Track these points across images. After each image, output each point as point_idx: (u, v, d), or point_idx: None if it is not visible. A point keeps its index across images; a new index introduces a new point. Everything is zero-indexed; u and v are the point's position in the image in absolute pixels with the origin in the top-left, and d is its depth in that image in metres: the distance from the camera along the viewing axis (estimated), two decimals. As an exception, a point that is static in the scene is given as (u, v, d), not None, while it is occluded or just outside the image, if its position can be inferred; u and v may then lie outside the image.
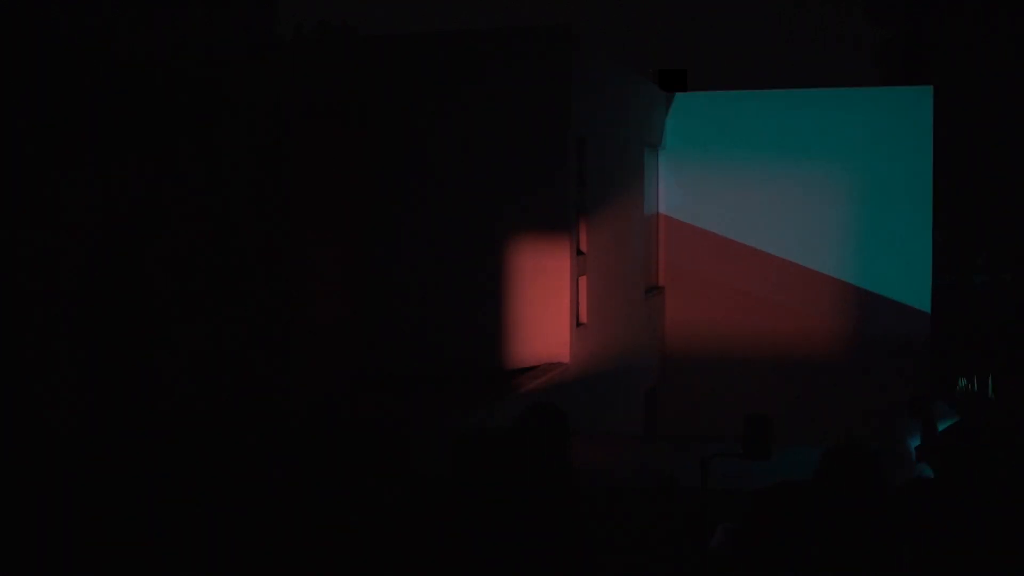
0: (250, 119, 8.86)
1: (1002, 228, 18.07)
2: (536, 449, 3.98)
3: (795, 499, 3.63)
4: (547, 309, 10.11)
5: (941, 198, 16.03)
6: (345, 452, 7.54)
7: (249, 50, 8.97)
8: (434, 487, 4.28)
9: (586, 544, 4.00)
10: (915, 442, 4.47)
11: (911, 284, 14.73)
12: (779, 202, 15.04)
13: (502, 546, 3.89)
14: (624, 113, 12.43)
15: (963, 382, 4.79)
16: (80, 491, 6.01)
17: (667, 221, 15.21)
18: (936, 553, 3.98)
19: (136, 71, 7.55)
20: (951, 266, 18.32)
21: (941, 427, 4.43)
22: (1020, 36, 18.26)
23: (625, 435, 7.93)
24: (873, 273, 14.77)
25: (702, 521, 4.91)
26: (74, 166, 7.46)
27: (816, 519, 3.47)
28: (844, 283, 14.86)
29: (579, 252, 10.52)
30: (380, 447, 7.56)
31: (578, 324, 10.47)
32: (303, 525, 5.88)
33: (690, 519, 4.95)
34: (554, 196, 10.11)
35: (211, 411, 8.13)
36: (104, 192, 7.65)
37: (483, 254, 10.24)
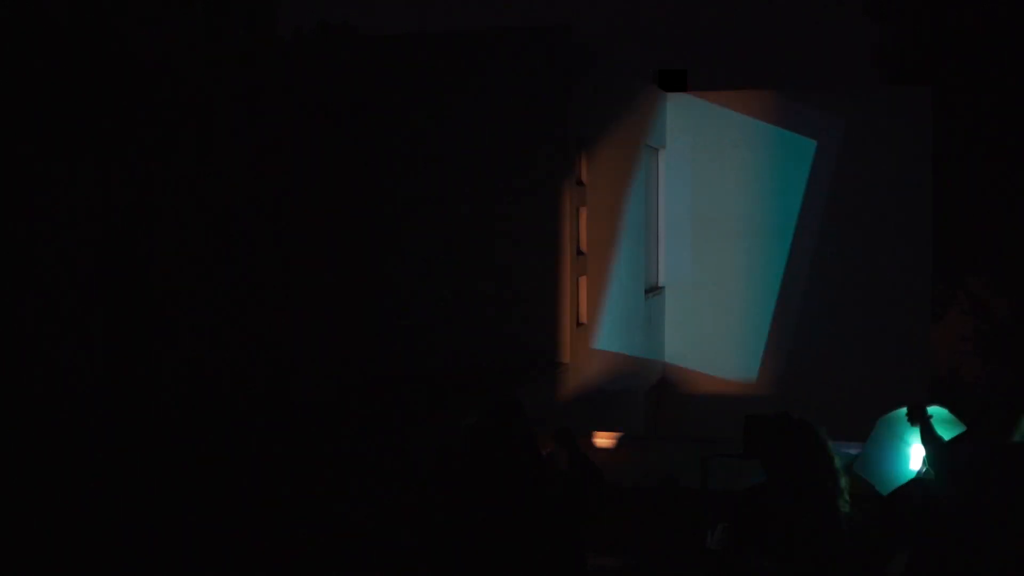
0: (250, 119, 8.87)
1: (1002, 228, 18.07)
2: (498, 445, 4.03)
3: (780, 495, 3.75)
4: (547, 309, 10.11)
5: (941, 198, 16.03)
6: (346, 452, 7.55)
7: (249, 50, 8.98)
8: (429, 487, 4.31)
9: (568, 533, 4.03)
10: (915, 447, 4.47)
11: (911, 283, 14.73)
12: (779, 202, 15.04)
13: (487, 543, 3.93)
14: (624, 113, 12.42)
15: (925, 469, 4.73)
16: (81, 489, 6.02)
17: (667, 221, 15.22)
18: (933, 553, 3.99)
19: (136, 71, 7.55)
20: (951, 266, 18.32)
21: (947, 436, 4.43)
22: (1020, 36, 18.25)
23: (625, 435, 7.94)
24: (873, 273, 14.77)
25: (702, 521, 4.92)
26: (74, 165, 7.46)
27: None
28: (844, 282, 14.86)
29: (579, 252, 10.52)
30: (381, 448, 7.58)
31: (578, 324, 10.47)
32: (304, 524, 5.88)
33: (690, 519, 4.95)
34: (554, 196, 10.11)
35: (212, 410, 8.13)
36: (104, 191, 7.65)
37: (483, 254, 10.24)
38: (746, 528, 3.80)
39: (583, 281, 10.61)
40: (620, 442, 7.66)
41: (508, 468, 3.99)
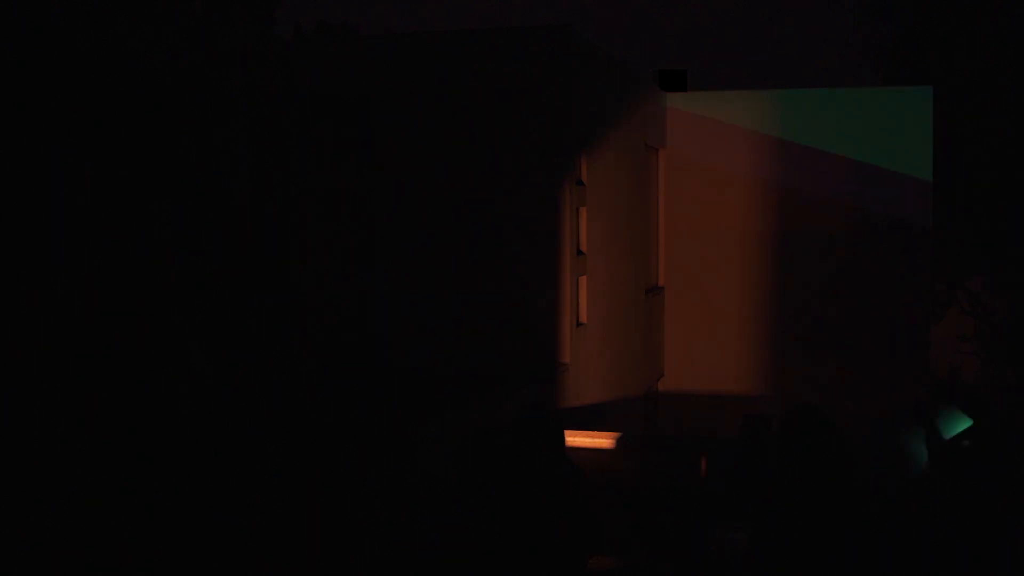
0: (250, 119, 8.87)
1: (1001, 228, 18.07)
2: (533, 448, 4.04)
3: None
4: (547, 309, 10.12)
5: (941, 198, 16.02)
6: (346, 452, 7.56)
7: (249, 50, 8.98)
8: (435, 486, 4.30)
9: (583, 539, 4.04)
10: (921, 450, 4.46)
11: (911, 283, 14.73)
12: (779, 202, 15.05)
13: (502, 542, 3.92)
14: (624, 113, 12.43)
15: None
16: (80, 491, 6.02)
17: (667, 221, 15.23)
18: (934, 553, 3.98)
19: (136, 71, 7.55)
20: (951, 266, 18.32)
21: (950, 434, 4.40)
22: (1020, 36, 18.25)
23: (625, 435, 7.94)
24: (873, 273, 14.78)
25: (702, 521, 4.92)
26: (73, 167, 7.46)
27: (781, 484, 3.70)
28: (844, 282, 14.87)
29: (579, 252, 10.52)
30: (382, 448, 7.59)
31: (578, 324, 10.48)
32: (304, 525, 5.88)
33: (690, 519, 4.96)
34: (554, 196, 10.11)
35: (212, 410, 8.13)
36: (104, 192, 7.66)
37: (483, 253, 10.25)
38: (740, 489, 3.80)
39: (583, 281, 10.62)
40: (620, 442, 7.66)
41: (540, 470, 3.99)
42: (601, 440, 7.69)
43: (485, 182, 10.23)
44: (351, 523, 6.02)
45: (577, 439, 7.35)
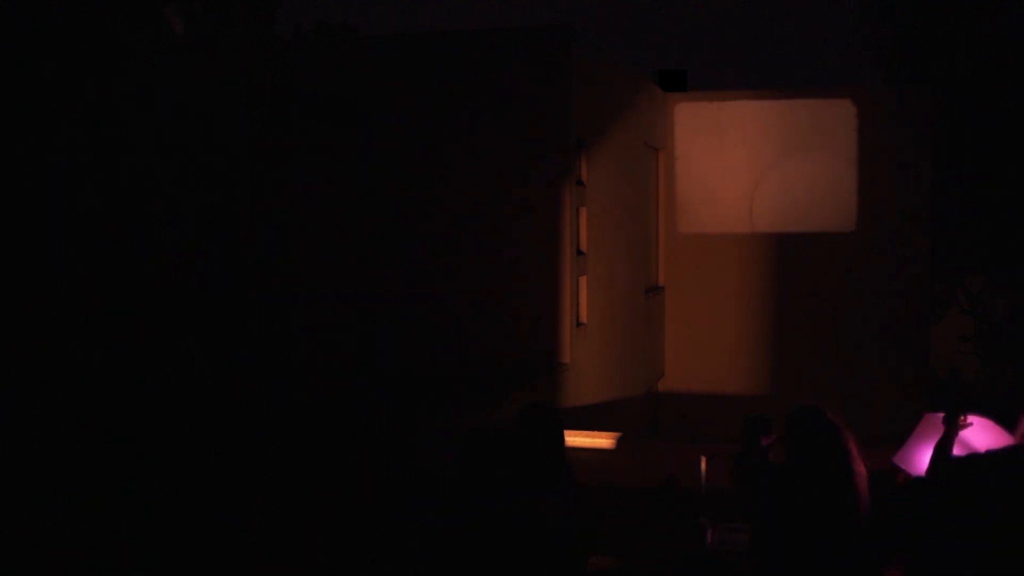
0: (250, 118, 8.87)
1: (1001, 228, 18.07)
2: (534, 447, 4.05)
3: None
4: (547, 309, 10.12)
5: (941, 198, 16.02)
6: (346, 452, 7.56)
7: (249, 50, 8.98)
8: (435, 486, 4.30)
9: (581, 540, 4.05)
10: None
11: (911, 283, 14.73)
12: (779, 202, 15.04)
13: (500, 541, 3.92)
14: (624, 113, 12.43)
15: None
16: (80, 491, 6.02)
17: (667, 220, 15.23)
18: (934, 553, 3.98)
19: (136, 71, 7.55)
20: (951, 266, 18.32)
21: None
22: (1020, 36, 18.25)
23: (625, 435, 7.94)
24: (873, 273, 14.78)
25: (702, 521, 4.92)
26: (73, 167, 7.47)
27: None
28: (844, 282, 14.87)
29: (579, 252, 10.53)
30: (382, 448, 7.59)
31: (578, 324, 10.48)
32: (304, 525, 5.88)
33: (690, 519, 4.96)
34: (554, 196, 10.11)
35: (212, 410, 8.13)
36: (104, 192, 7.66)
37: (483, 254, 10.25)
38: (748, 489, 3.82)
39: (583, 281, 10.62)
40: (620, 442, 7.67)
41: (539, 470, 4.00)
42: (601, 440, 7.70)
43: (485, 182, 10.23)
44: (351, 523, 6.02)
45: (577, 439, 7.36)
